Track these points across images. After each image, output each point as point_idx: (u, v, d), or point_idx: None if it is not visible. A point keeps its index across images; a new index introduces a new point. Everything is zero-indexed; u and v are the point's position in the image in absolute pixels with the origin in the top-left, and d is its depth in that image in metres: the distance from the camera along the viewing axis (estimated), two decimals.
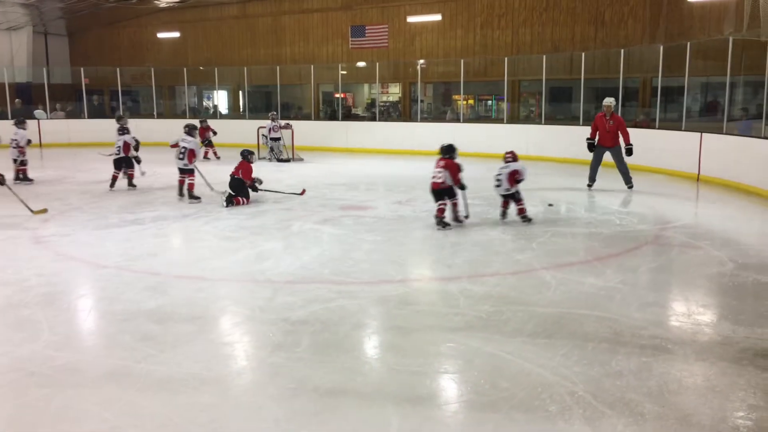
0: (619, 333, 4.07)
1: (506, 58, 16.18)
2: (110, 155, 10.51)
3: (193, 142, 9.22)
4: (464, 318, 4.38)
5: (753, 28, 10.99)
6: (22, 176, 11.17)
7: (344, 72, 19.29)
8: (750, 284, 5.17)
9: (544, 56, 15.40)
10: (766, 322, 4.29)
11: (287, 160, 14.67)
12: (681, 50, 12.14)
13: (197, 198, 9.11)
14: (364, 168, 13.80)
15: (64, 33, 24.07)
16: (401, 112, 19.62)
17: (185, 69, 20.42)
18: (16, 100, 19.48)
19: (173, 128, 15.39)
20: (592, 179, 10.25)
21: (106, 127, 19.21)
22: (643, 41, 15.19)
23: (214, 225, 7.57)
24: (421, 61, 18.11)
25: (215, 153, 14.88)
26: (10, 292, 5.02)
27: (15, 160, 11.14)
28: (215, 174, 10.02)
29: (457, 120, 17.56)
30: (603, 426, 2.95)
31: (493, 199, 7.92)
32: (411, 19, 18.33)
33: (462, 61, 16.63)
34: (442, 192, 7.22)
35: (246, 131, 16.20)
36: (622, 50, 13.91)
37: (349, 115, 19.49)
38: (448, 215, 7.26)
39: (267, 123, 15.00)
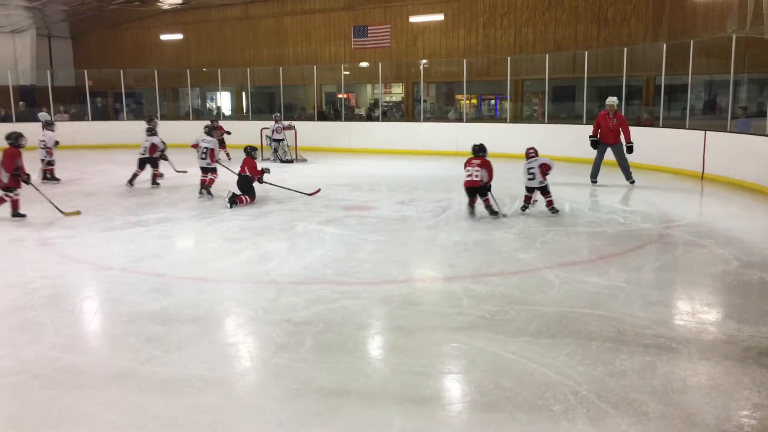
0: (623, 332, 4.06)
1: (509, 58, 16.15)
2: (142, 155, 10.78)
3: (213, 142, 9.72)
4: (467, 318, 4.38)
5: (756, 25, 10.95)
6: (49, 176, 11.58)
7: (347, 72, 19.29)
8: (755, 282, 5.15)
9: (547, 55, 15.37)
10: None
11: (290, 161, 14.69)
12: (684, 48, 12.09)
13: (211, 195, 9.43)
14: (367, 168, 13.81)
15: (68, 35, 24.12)
16: (404, 112, 19.62)
17: (188, 71, 20.44)
18: (20, 102, 19.54)
19: (176, 130, 15.55)
20: (594, 176, 10.47)
21: (110, 129, 19.46)
22: (646, 39, 15.15)
23: (218, 226, 7.59)
24: (424, 61, 18.09)
25: (227, 153, 14.89)
26: (15, 294, 5.04)
27: (42, 160, 11.49)
28: (223, 174, 10.02)
29: (460, 120, 17.55)
30: (607, 425, 2.95)
31: (499, 198, 7.92)
32: (413, 19, 18.32)
33: (465, 60, 16.60)
34: (477, 189, 7.61)
35: (249, 132, 16.20)
36: (625, 49, 13.86)
37: (353, 116, 19.49)
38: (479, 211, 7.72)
39: (270, 124, 15.02)
